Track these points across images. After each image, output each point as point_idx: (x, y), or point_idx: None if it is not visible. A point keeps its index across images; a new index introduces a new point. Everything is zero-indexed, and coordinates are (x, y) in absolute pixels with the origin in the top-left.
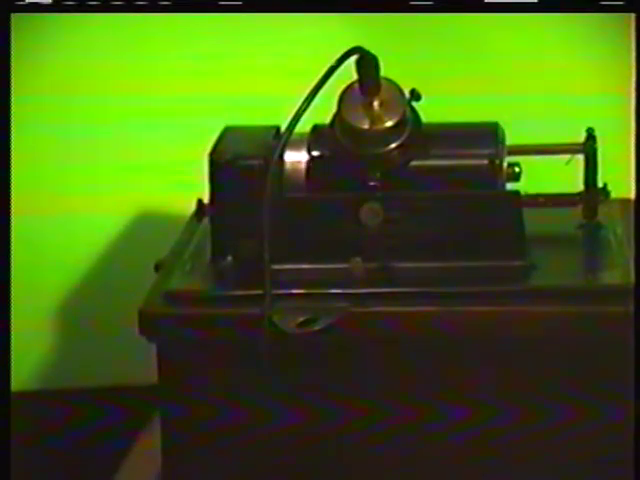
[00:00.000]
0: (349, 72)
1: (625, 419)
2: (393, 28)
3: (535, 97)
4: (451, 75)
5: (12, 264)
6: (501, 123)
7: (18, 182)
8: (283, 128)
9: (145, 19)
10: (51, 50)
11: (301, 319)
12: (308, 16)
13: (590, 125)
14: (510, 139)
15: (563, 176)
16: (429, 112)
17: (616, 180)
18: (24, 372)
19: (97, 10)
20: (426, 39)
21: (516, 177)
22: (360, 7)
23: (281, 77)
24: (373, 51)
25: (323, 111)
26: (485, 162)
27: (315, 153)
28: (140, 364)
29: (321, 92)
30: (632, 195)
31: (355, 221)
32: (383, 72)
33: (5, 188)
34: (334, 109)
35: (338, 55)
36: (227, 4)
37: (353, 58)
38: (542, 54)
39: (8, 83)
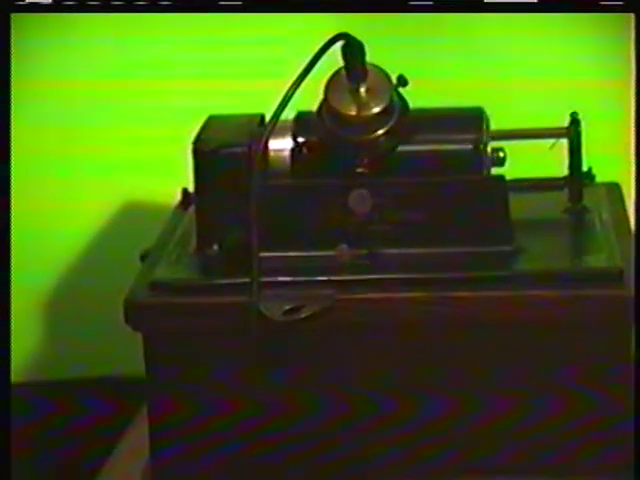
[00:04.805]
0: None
1: (615, 402)
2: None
3: (520, 83)
4: (438, 62)
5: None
6: (485, 108)
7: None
8: (266, 116)
9: (145, 18)
10: (51, 50)
11: (287, 307)
12: (306, 16)
13: (574, 109)
14: (494, 124)
15: (548, 161)
16: (416, 97)
17: (600, 164)
18: (13, 364)
19: (97, 10)
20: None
21: (501, 162)
22: (359, 7)
23: (267, 68)
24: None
25: (305, 99)
26: (470, 147)
27: (300, 140)
28: (128, 355)
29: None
30: (624, 184)
31: (343, 208)
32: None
33: (6, 186)
34: (319, 97)
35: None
36: (227, 4)
37: (339, 44)
38: (535, 48)
39: (8, 83)
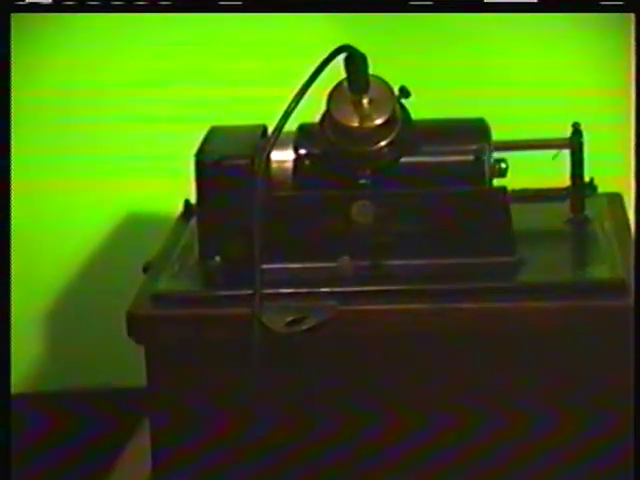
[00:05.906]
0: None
1: (617, 412)
2: (383, 26)
3: (521, 84)
4: (440, 71)
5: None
6: (484, 111)
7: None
8: (268, 127)
9: (145, 18)
10: (51, 50)
11: (290, 318)
12: (304, 16)
13: (576, 120)
14: (494, 127)
15: (550, 171)
16: (418, 109)
17: (602, 175)
18: (14, 375)
19: (97, 10)
20: (414, 36)
21: (503, 173)
22: (359, 7)
23: (270, 77)
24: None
25: (307, 111)
26: (471, 158)
27: (302, 152)
28: (132, 366)
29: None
30: (623, 191)
31: (345, 219)
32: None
33: (6, 193)
34: (321, 108)
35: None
36: (227, 4)
37: (342, 56)
38: (535, 49)
39: (8, 83)
